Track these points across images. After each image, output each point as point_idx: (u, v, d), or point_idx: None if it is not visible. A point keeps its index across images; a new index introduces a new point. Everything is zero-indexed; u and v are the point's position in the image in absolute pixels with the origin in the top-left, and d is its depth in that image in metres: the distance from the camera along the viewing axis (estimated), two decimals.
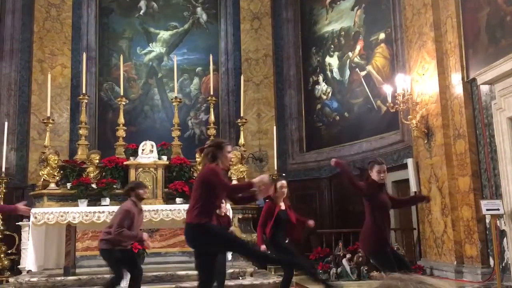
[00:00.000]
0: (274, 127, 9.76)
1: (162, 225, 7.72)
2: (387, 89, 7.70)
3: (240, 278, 6.85)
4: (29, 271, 7.15)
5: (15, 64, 10.25)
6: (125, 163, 8.28)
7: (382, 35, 9.58)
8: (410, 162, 7.69)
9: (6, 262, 7.95)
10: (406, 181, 7.93)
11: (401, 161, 8.42)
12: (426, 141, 7.23)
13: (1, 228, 8.10)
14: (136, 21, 11.57)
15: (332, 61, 10.75)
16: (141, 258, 6.74)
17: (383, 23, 9.53)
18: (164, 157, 8.53)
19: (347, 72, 10.39)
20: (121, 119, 9.01)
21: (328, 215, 9.81)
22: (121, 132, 8.94)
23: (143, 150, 8.37)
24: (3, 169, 8.23)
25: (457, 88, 6.67)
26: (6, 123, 8.68)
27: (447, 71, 6.91)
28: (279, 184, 5.48)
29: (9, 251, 8.08)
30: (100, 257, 5.66)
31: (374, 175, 4.55)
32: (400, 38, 8.81)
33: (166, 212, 7.36)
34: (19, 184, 9.42)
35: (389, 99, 7.56)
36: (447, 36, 6.92)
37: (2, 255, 7.97)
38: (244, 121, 9.39)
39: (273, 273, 7.72)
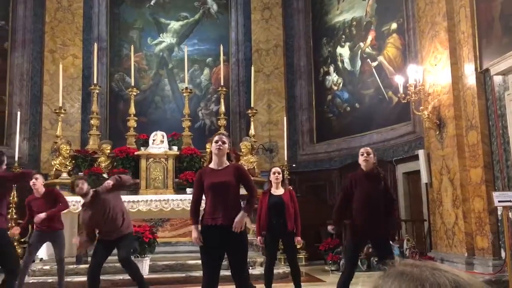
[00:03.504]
0: (285, 118, 9.74)
1: (172, 215, 7.77)
2: (398, 79, 7.63)
3: (250, 268, 6.86)
4: (41, 259, 7.25)
5: (27, 54, 10.32)
6: (136, 153, 8.33)
7: (394, 25, 9.49)
8: (421, 153, 7.63)
9: (19, 251, 8.05)
10: (417, 172, 7.89)
11: (412, 153, 8.37)
12: (438, 132, 7.17)
13: (15, 217, 8.20)
14: (146, 12, 11.58)
15: (343, 51, 10.68)
16: (152, 247, 6.79)
17: (395, 13, 9.43)
18: (175, 148, 8.56)
19: (358, 63, 10.32)
20: (132, 110, 9.04)
21: None
22: (132, 123, 8.98)
23: (153, 140, 8.41)
24: (16, 159, 8.31)
25: (470, 78, 6.59)
26: (18, 113, 8.76)
27: (460, 62, 6.83)
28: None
29: (22, 240, 8.18)
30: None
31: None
32: (413, 28, 8.72)
33: (176, 202, 7.41)
34: None
35: (401, 89, 7.50)
36: (460, 26, 6.83)
37: (15, 244, 8.08)
38: (254, 111, 9.38)
39: (282, 263, 7.74)
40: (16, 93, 10.06)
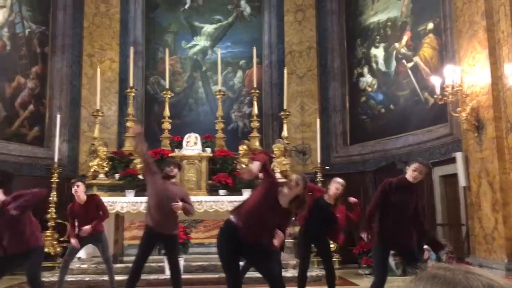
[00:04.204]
0: (318, 120, 9.67)
1: (206, 216, 7.85)
2: (435, 80, 7.46)
3: (282, 270, 6.84)
4: (79, 258, 7.44)
5: (67, 59, 10.63)
6: (170, 155, 8.45)
7: (430, 25, 9.29)
8: (459, 156, 7.44)
9: (58, 249, 8.30)
10: (454, 175, 7.69)
11: (449, 155, 8.16)
12: (476, 134, 6.97)
13: (54, 216, 8.46)
14: (181, 15, 11.74)
15: (378, 52, 10.53)
16: (186, 248, 6.87)
17: (432, 12, 9.23)
18: (208, 149, 8.64)
19: (393, 64, 10.15)
20: (167, 112, 9.19)
21: None
22: (166, 125, 9.12)
23: (187, 142, 8.52)
24: (56, 160, 8.57)
25: (510, 79, 6.38)
26: (58, 116, 9.03)
27: (500, 61, 6.62)
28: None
29: (61, 239, 8.43)
30: None
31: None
32: (450, 28, 8.51)
33: (209, 204, 7.47)
34: (71, 175, 9.78)
35: (437, 90, 7.33)
36: (499, 25, 6.63)
37: (54, 242, 8.33)
38: (287, 113, 9.37)
39: (316, 266, 7.68)
40: (56, 97, 10.37)
